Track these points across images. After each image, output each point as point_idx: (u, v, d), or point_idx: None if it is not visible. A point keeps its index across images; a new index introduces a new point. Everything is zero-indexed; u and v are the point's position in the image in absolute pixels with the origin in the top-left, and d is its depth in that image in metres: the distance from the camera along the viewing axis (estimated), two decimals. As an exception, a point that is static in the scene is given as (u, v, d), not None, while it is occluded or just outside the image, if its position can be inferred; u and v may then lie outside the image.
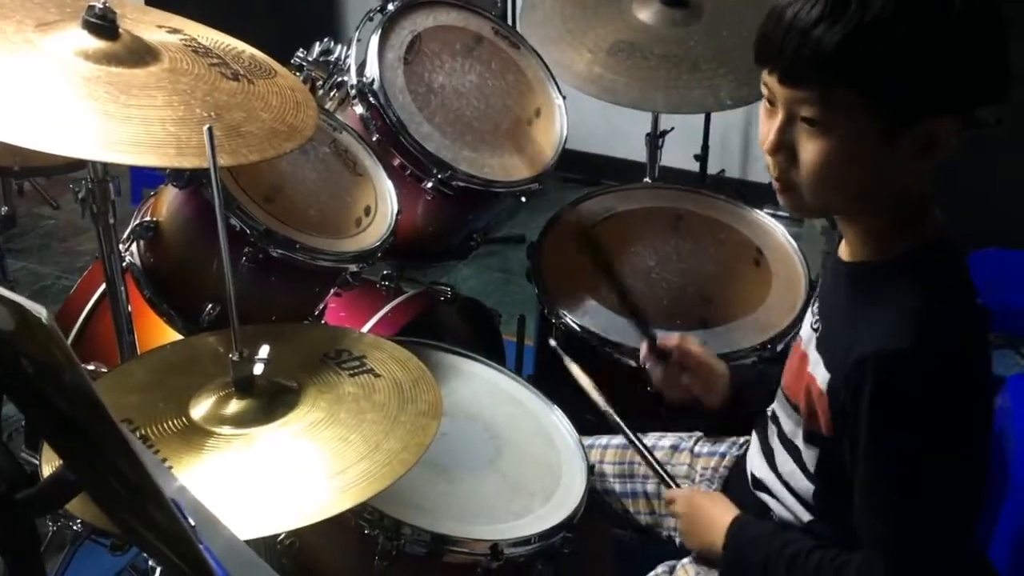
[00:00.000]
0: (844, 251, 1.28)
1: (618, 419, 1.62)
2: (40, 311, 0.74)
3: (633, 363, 1.92)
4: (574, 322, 1.98)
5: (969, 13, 1.06)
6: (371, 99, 1.95)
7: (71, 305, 2.07)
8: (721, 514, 1.41)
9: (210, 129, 1.23)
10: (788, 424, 1.35)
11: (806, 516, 1.34)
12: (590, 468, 1.63)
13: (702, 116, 3.59)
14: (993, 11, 1.09)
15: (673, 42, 2.29)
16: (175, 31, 1.57)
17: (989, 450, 1.21)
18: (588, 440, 1.73)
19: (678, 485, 1.56)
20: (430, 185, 1.96)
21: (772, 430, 1.40)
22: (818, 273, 1.51)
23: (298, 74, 2.06)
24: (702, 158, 3.66)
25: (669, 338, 1.63)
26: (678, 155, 3.18)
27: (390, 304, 2.07)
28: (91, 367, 1.86)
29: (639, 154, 2.68)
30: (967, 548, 1.27)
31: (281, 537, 1.48)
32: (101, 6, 1.40)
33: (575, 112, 2.23)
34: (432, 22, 2.11)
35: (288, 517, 1.20)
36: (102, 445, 0.85)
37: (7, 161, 2.72)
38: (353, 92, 1.97)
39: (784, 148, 1.16)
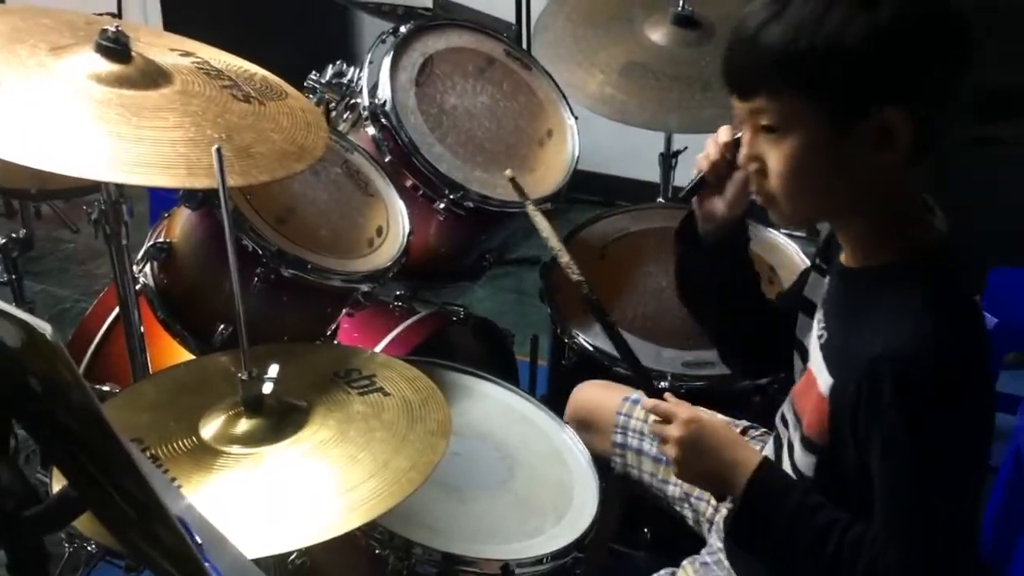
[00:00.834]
0: (845, 257, 1.29)
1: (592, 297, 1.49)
2: (45, 328, 0.75)
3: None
4: (587, 342, 1.98)
5: (900, 5, 1.09)
6: (383, 120, 1.96)
7: (87, 326, 2.08)
8: (745, 453, 1.31)
9: (219, 149, 1.24)
10: (791, 426, 1.35)
11: None
12: (602, 487, 1.62)
13: (715, 137, 3.58)
14: (927, 3, 1.12)
15: (685, 62, 2.29)
16: (188, 54, 1.58)
17: (989, 444, 1.22)
18: (623, 394, 1.71)
19: (662, 396, 1.40)
20: (442, 206, 1.97)
21: (784, 434, 1.39)
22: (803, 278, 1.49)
23: (311, 96, 2.08)
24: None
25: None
26: (691, 175, 3.17)
27: (403, 324, 2.07)
28: (106, 387, 1.88)
29: (653, 174, 2.68)
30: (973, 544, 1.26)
31: (292, 557, 1.48)
32: (114, 30, 1.42)
33: (588, 132, 2.24)
34: (444, 44, 2.13)
35: (297, 535, 1.19)
36: (108, 463, 0.86)
37: (24, 184, 2.75)
38: (365, 114, 1.98)
39: (755, 160, 1.21)
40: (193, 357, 1.78)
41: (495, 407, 1.81)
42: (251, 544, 1.13)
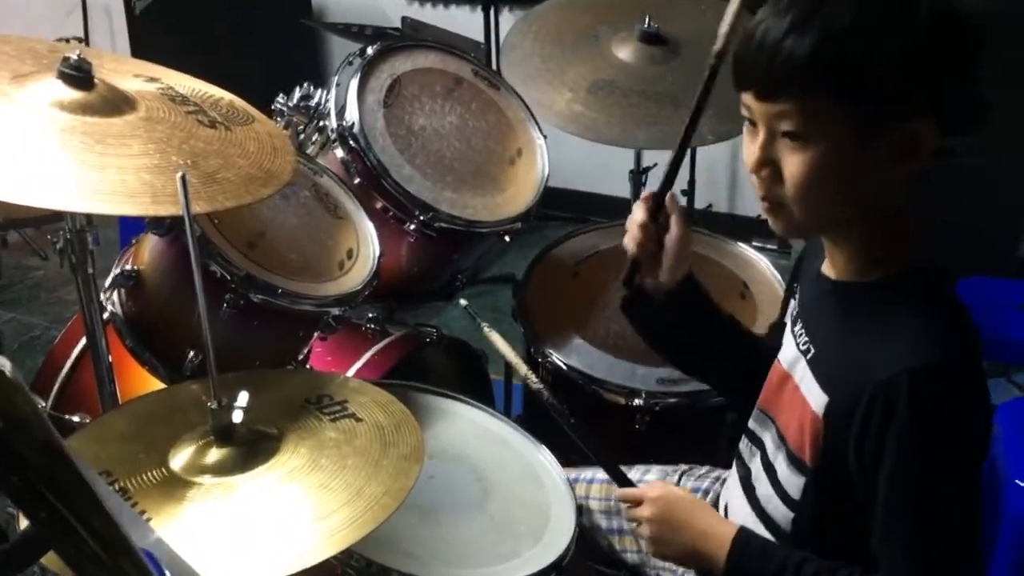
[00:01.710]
0: (829, 270, 1.28)
1: (554, 401, 1.57)
2: (4, 363, 0.73)
3: (622, 400, 1.92)
4: (560, 361, 1.98)
5: (935, 16, 1.08)
6: (352, 143, 1.95)
7: (55, 356, 2.06)
8: (717, 522, 1.35)
9: (183, 177, 1.23)
10: (770, 445, 1.34)
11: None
12: (579, 509, 1.61)
13: (687, 152, 3.60)
14: (959, 13, 1.10)
15: (652, 79, 2.29)
16: (153, 80, 1.57)
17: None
18: (572, 474, 1.71)
19: (631, 484, 1.47)
20: (413, 227, 1.96)
21: (755, 452, 1.38)
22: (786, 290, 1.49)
23: (279, 119, 2.07)
24: (689, 193, 3.67)
25: (673, 204, 1.47)
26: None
27: (375, 347, 2.06)
28: (76, 418, 1.85)
29: (623, 190, 2.69)
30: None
31: (266, 587, 1.46)
32: (76, 57, 1.40)
33: (559, 150, 2.24)
34: (411, 65, 2.12)
35: (271, 566, 1.17)
36: (72, 500, 0.84)
37: (-11, 213, 2.72)
38: (334, 136, 1.97)
39: (768, 165, 1.17)
40: (163, 386, 1.76)
41: (470, 428, 1.80)
42: (223, 576, 1.12)
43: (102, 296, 1.71)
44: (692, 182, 3.66)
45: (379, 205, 1.97)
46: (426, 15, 4.29)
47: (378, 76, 2.06)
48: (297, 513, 1.23)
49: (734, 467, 1.46)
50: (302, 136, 2.08)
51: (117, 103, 1.43)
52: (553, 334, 2.03)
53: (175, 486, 1.27)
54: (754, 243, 2.27)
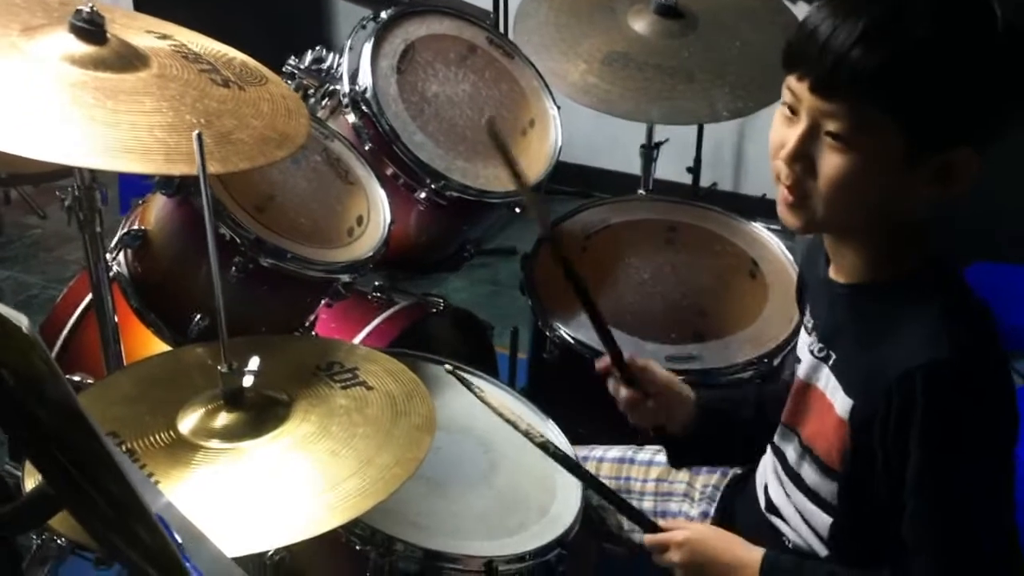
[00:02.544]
0: (837, 274, 1.25)
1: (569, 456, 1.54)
2: (21, 319, 0.71)
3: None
4: (568, 335, 1.96)
5: (1011, 41, 1.05)
6: (364, 108, 1.92)
7: (57, 315, 2.03)
8: (744, 552, 1.33)
9: (199, 135, 1.20)
10: (792, 455, 1.33)
11: (822, 550, 1.31)
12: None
13: (694, 128, 3.58)
14: None
15: (668, 53, 2.27)
16: (165, 37, 1.54)
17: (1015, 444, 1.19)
18: (583, 451, 1.70)
19: (655, 525, 1.43)
20: (423, 195, 1.94)
21: (776, 462, 1.37)
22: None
23: (289, 82, 2.04)
24: (695, 171, 3.64)
25: (635, 361, 1.49)
26: (670, 168, 3.16)
27: (381, 316, 2.04)
28: (77, 378, 1.83)
29: (633, 166, 2.66)
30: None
31: (271, 553, 1.44)
32: (88, 10, 1.38)
33: (568, 124, 2.21)
34: (425, 31, 2.09)
35: (278, 533, 1.17)
36: (86, 460, 0.82)
37: (-6, 168, 2.69)
38: (346, 101, 1.94)
39: (803, 158, 1.13)
40: (168, 348, 1.74)
41: (476, 400, 1.78)
42: (230, 542, 1.10)
43: (108, 256, 1.69)
44: (698, 160, 3.63)
45: (390, 172, 1.94)
46: (435, -18, 4.24)
47: (392, 41, 2.03)
48: (306, 481, 1.22)
49: (768, 455, 1.43)
50: (312, 100, 2.05)
51: (130, 59, 1.41)
52: (562, 308, 2.00)
53: (183, 449, 1.25)
54: (760, 222, 2.24)
